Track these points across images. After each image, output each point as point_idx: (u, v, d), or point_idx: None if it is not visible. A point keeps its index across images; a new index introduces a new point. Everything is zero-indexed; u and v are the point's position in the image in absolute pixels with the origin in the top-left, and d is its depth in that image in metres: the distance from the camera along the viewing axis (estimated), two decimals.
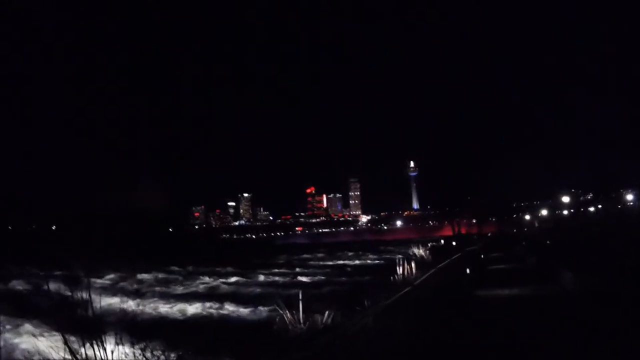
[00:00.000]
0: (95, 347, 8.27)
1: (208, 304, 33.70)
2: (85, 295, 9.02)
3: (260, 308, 29.92)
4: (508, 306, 22.48)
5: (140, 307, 31.21)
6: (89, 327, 8.13)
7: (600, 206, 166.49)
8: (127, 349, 8.98)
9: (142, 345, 9.17)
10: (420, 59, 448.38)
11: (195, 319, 30.23)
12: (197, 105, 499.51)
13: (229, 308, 32.31)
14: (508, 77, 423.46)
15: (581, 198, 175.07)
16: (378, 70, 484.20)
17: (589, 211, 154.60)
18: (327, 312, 14.25)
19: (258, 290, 44.90)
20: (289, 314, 14.41)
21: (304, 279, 54.07)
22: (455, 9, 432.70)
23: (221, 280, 53.40)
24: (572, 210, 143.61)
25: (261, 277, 56.38)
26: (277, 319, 15.01)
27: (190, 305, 33.98)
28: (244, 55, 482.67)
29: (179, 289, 46.62)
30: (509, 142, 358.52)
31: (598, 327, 15.66)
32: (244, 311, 31.07)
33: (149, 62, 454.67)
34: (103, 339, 8.36)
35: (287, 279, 54.59)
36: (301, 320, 14.03)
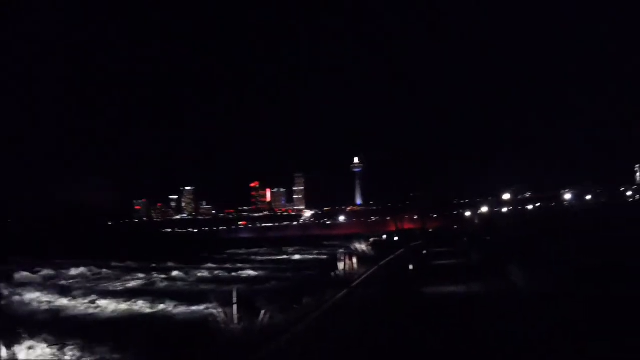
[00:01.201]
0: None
1: (141, 301, 32.35)
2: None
3: (197, 306, 28.72)
4: (457, 304, 21.48)
5: (66, 304, 29.84)
6: None
7: (538, 204, 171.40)
8: (40, 350, 8.03)
9: (59, 346, 8.28)
10: (373, 55, 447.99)
11: (126, 317, 28.84)
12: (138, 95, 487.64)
13: (164, 305, 31.02)
14: (461, 74, 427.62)
15: (519, 196, 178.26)
16: (330, 65, 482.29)
17: (527, 209, 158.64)
18: (262, 312, 13.44)
19: (199, 286, 43.70)
20: (223, 314, 13.56)
21: (246, 274, 53.04)
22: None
23: (160, 275, 51.95)
24: (511, 208, 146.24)
25: (203, 272, 55.11)
26: (211, 319, 14.11)
27: (123, 302, 32.59)
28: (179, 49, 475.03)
29: (114, 285, 45.00)
30: (456, 140, 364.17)
31: (558, 324, 15.17)
32: (179, 309, 29.85)
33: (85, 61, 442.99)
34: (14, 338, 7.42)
35: (230, 274, 53.52)
36: (236, 320, 13.19)
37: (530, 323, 15.76)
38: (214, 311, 14.13)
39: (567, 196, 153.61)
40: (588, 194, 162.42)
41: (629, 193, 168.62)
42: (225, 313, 13.68)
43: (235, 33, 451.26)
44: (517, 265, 25.47)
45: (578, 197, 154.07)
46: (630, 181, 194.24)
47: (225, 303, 13.64)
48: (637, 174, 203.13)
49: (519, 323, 16.00)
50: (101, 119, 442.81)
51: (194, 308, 28.53)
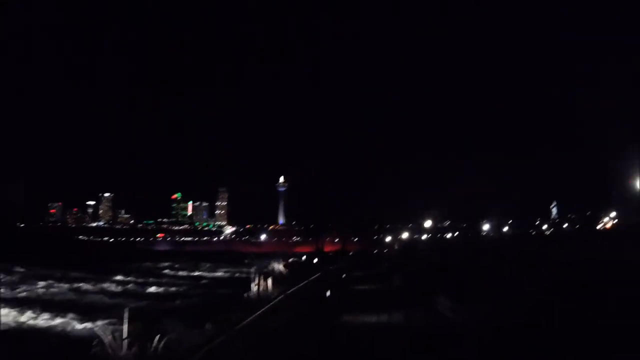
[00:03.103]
0: None
1: (30, 312, 30.00)
2: None
3: (98, 322, 26.56)
4: (377, 337, 19.11)
5: None
6: None
7: (457, 233, 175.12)
8: None
9: None
10: (302, 76, 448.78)
11: (18, 330, 26.43)
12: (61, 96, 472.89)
13: (61, 320, 28.74)
14: (387, 100, 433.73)
15: (438, 225, 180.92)
16: (260, 83, 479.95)
17: (446, 237, 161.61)
18: (157, 336, 11.92)
19: (104, 299, 41.28)
20: (110, 337, 11.97)
21: (157, 289, 50.72)
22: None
23: (66, 285, 49.15)
24: (430, 235, 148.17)
25: (112, 285, 52.51)
26: (96, 342, 12.42)
27: (18, 313, 30.12)
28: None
29: (12, 292, 42.03)
30: (380, 165, 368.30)
31: None
32: (75, 325, 27.61)
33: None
34: None
35: (140, 288, 51.10)
36: (124, 346, 11.63)
37: None
38: (102, 334, 12.40)
39: (485, 227, 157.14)
40: (505, 225, 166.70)
41: (544, 227, 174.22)
42: (114, 336, 12.03)
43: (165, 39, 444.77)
44: (443, 294, 24.11)
45: (496, 227, 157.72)
46: (547, 216, 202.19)
47: (131, 318, 12.13)
48: (553, 210, 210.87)
49: None
50: (21, 118, 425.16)
51: (91, 324, 26.35)
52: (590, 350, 13.48)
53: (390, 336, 19.03)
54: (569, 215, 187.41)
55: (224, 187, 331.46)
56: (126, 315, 11.77)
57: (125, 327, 11.53)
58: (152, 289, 50.64)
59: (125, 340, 11.42)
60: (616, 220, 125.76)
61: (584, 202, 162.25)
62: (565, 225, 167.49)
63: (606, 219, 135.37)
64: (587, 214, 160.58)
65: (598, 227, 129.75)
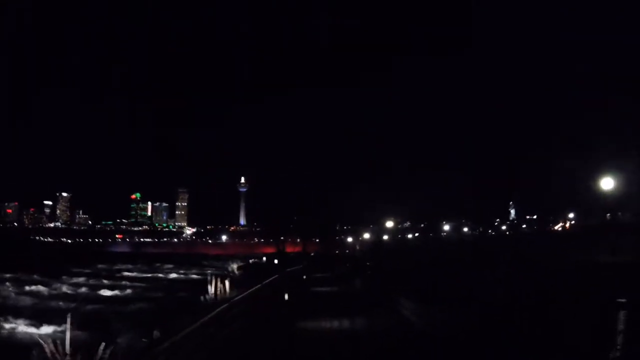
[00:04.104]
0: None
1: None
2: None
3: (39, 328, 25.50)
4: (338, 347, 17.65)
5: None
6: None
7: (417, 234, 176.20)
8: None
9: None
10: (270, 77, 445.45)
11: None
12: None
13: (9, 325, 27.70)
14: (359, 103, 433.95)
15: (399, 226, 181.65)
16: (226, 83, 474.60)
17: (408, 238, 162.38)
18: (102, 345, 11.24)
19: (58, 303, 40.12)
20: (52, 346, 11.22)
21: (113, 292, 49.66)
22: None
23: (17, 289, 47.76)
24: (391, 236, 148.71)
25: (67, 288, 51.27)
26: (36, 351, 11.66)
27: None
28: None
29: None
30: (342, 166, 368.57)
31: None
32: (22, 330, 26.62)
33: None
34: None
35: (96, 291, 49.98)
36: (68, 352, 10.93)
37: None
38: (45, 341, 11.65)
39: (446, 227, 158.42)
40: (465, 226, 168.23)
41: (504, 227, 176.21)
42: (56, 344, 11.30)
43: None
44: (407, 296, 23.32)
45: (455, 229, 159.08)
46: (505, 217, 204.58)
47: (84, 323, 11.53)
48: (511, 212, 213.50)
49: None
50: None
51: (35, 330, 25.35)
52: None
53: (351, 344, 17.95)
54: (527, 217, 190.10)
55: (184, 188, 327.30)
56: (69, 320, 11.08)
57: (68, 334, 10.83)
58: (108, 292, 49.61)
59: (69, 348, 10.72)
60: (573, 222, 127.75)
61: (545, 203, 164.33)
62: (524, 226, 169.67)
63: (563, 221, 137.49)
64: (545, 215, 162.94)
65: (555, 228, 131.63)
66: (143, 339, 12.53)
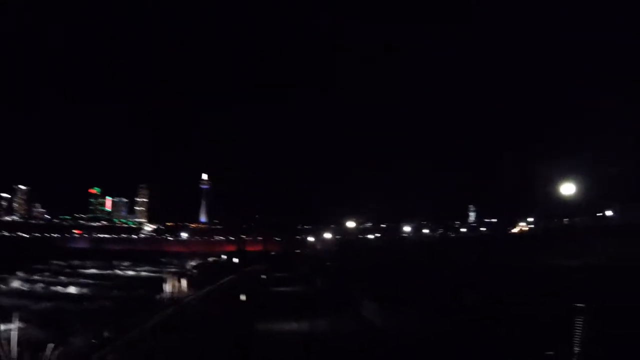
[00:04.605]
0: None
1: None
2: None
3: None
4: (299, 349, 17.32)
5: None
6: None
7: (378, 235, 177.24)
8: None
9: None
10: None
11: None
12: None
13: None
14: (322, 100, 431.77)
15: (360, 226, 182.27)
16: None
17: (368, 238, 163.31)
18: (51, 346, 10.95)
19: (9, 300, 39.24)
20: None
21: (68, 290, 48.75)
22: None
23: None
24: (353, 236, 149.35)
25: (20, 284, 50.15)
26: None
27: None
28: None
29: None
30: (304, 166, 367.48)
31: None
32: None
33: None
34: None
35: (50, 288, 48.99)
36: (13, 353, 10.63)
37: None
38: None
39: (407, 228, 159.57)
40: (425, 227, 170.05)
41: (463, 230, 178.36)
42: (1, 344, 10.94)
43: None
44: (369, 298, 23.04)
45: (416, 230, 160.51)
46: (464, 219, 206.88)
47: (34, 324, 11.14)
48: (470, 214, 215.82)
49: None
50: None
51: None
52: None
53: (312, 346, 17.51)
54: (485, 220, 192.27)
55: (145, 184, 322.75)
56: (18, 319, 10.78)
57: (14, 334, 10.47)
58: (65, 290, 48.69)
59: (16, 349, 10.36)
60: (532, 225, 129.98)
61: (507, 206, 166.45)
62: (483, 228, 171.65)
63: (522, 224, 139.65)
64: (504, 218, 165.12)
65: (513, 230, 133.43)
66: (93, 340, 12.28)
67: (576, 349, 9.79)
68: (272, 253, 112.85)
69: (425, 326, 17.16)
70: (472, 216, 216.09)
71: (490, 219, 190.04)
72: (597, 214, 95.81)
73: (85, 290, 48.24)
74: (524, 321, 16.25)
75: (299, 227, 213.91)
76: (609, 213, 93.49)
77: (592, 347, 9.79)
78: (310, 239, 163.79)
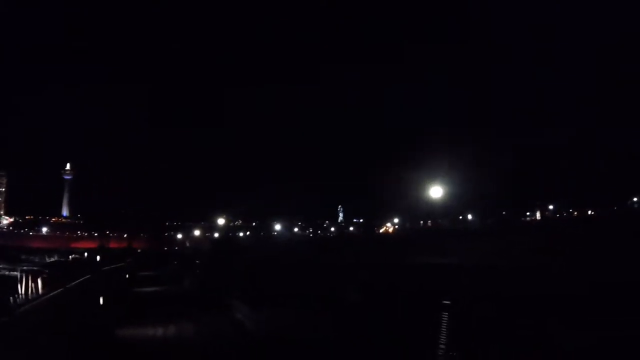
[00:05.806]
0: None
1: None
2: None
3: None
4: (164, 357, 16.22)
5: None
6: None
7: (248, 233, 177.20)
8: None
9: None
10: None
11: None
12: None
13: None
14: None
15: (231, 224, 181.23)
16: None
17: (239, 236, 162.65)
18: None
19: None
20: None
21: None
22: None
23: None
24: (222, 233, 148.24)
25: None
26: None
27: None
28: None
29: None
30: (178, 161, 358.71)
31: None
32: None
33: None
34: None
35: None
36: None
37: None
38: None
39: (277, 227, 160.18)
40: (296, 227, 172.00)
41: (333, 229, 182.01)
42: None
43: None
44: (239, 298, 22.48)
45: (287, 228, 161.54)
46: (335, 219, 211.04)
47: None
48: (339, 214, 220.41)
49: None
50: None
51: None
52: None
53: (178, 353, 16.98)
54: (353, 220, 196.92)
55: (3, 171, 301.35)
56: None
57: None
58: None
59: None
60: (397, 227, 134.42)
61: (375, 207, 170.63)
62: (351, 228, 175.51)
63: (388, 224, 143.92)
64: (371, 219, 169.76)
65: (380, 231, 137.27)
66: None
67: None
68: (138, 250, 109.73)
69: (289, 325, 17.07)
70: (341, 216, 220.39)
71: (360, 219, 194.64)
72: (459, 217, 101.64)
73: None
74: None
75: (167, 223, 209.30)
76: (469, 217, 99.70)
77: None
78: (179, 236, 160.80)
